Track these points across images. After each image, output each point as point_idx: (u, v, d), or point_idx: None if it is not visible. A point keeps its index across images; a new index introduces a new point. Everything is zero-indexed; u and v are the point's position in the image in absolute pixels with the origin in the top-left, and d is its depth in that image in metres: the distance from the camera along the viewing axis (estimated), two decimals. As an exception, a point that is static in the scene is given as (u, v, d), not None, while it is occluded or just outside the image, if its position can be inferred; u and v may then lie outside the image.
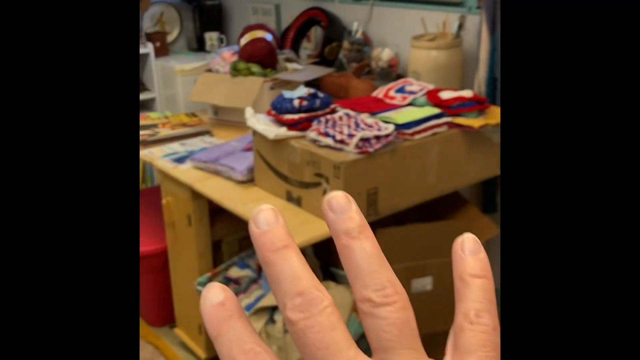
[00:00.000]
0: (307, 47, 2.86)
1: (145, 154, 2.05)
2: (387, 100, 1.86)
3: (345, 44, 2.48)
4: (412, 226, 1.80)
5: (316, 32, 2.82)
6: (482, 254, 0.28)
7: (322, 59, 2.54)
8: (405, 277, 1.71)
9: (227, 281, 1.85)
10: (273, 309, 1.61)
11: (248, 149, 1.89)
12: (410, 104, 1.81)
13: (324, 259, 1.82)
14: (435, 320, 1.85)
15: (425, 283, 1.74)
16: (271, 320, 1.60)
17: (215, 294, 0.26)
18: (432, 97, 1.79)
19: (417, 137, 1.63)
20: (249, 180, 1.79)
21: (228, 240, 1.99)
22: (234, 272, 1.86)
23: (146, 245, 2.22)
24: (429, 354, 0.26)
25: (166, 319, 2.32)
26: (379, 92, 1.93)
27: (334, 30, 2.56)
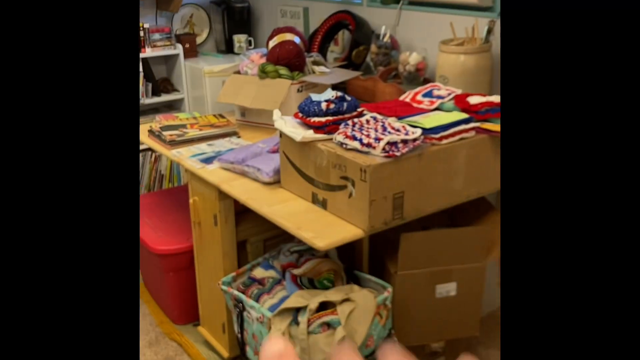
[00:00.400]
0: (335, 50, 2.86)
1: (173, 153, 2.08)
2: (415, 105, 1.85)
3: (373, 48, 2.48)
4: (437, 231, 1.79)
5: (344, 36, 2.83)
6: None
7: (349, 62, 2.55)
8: (429, 282, 1.70)
9: (252, 281, 1.86)
10: (297, 310, 1.62)
11: (274, 151, 1.90)
12: (437, 109, 1.80)
13: (348, 261, 1.83)
14: (458, 326, 1.84)
15: (449, 288, 1.73)
16: (295, 322, 1.61)
17: (275, 345, 0.27)
18: (460, 102, 1.79)
19: (444, 141, 1.62)
20: (275, 181, 1.80)
21: (253, 240, 2.01)
22: (259, 272, 1.88)
23: (172, 244, 2.25)
24: None
25: (190, 317, 2.34)
26: (407, 96, 1.93)
27: (362, 33, 2.56)
